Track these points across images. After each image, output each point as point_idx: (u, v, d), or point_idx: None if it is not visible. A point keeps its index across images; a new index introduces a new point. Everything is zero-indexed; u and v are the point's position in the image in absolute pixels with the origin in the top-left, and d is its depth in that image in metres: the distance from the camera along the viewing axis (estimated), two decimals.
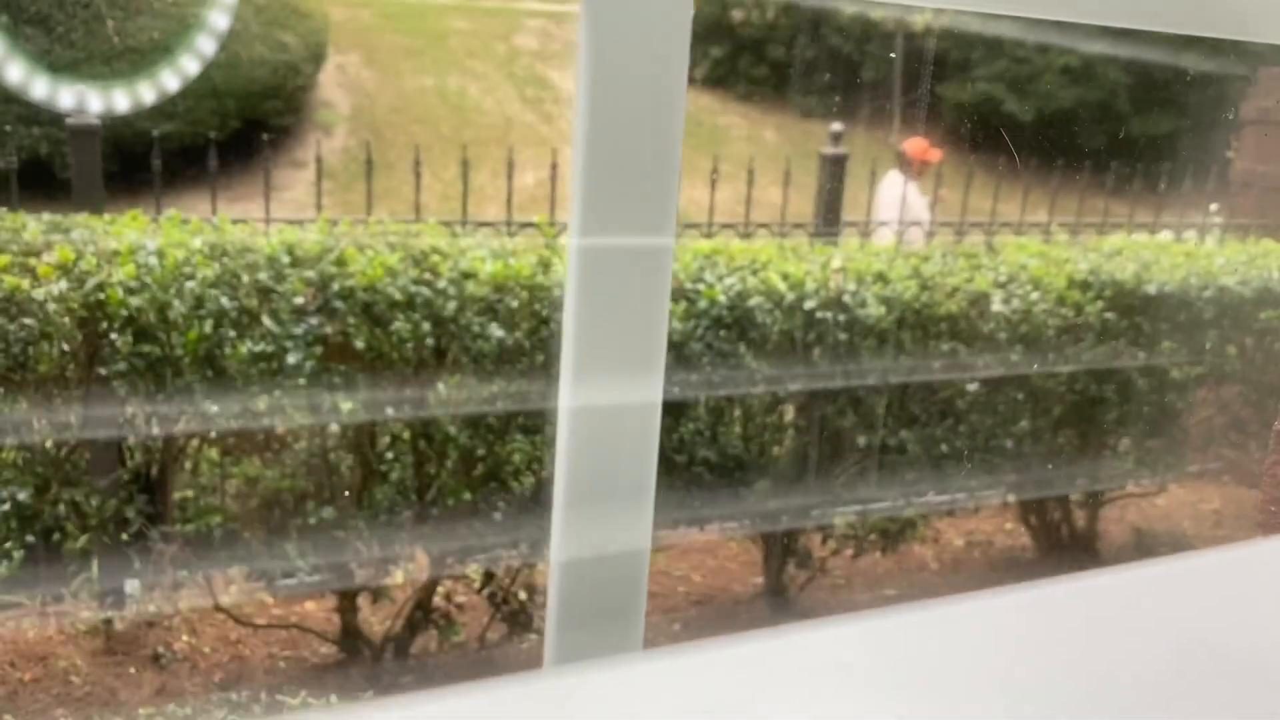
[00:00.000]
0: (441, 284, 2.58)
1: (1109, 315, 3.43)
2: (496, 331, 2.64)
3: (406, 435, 2.77)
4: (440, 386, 2.82)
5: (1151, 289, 3.49)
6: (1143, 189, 5.70)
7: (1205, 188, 5.18)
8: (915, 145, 5.94)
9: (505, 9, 13.53)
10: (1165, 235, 4.60)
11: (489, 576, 3.05)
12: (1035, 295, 3.33)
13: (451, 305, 2.59)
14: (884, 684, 0.31)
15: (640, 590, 0.25)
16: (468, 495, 2.77)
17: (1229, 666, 0.33)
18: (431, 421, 2.74)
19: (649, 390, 0.22)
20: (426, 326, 2.59)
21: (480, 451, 2.79)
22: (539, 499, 2.98)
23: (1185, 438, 4.14)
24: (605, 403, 0.21)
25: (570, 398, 0.21)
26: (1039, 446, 3.60)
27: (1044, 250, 3.75)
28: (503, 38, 12.97)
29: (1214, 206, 5.19)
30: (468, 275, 2.62)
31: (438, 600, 3.07)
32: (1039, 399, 3.47)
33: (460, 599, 3.22)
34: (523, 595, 3.10)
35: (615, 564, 0.25)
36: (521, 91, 11.81)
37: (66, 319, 2.50)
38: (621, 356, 0.21)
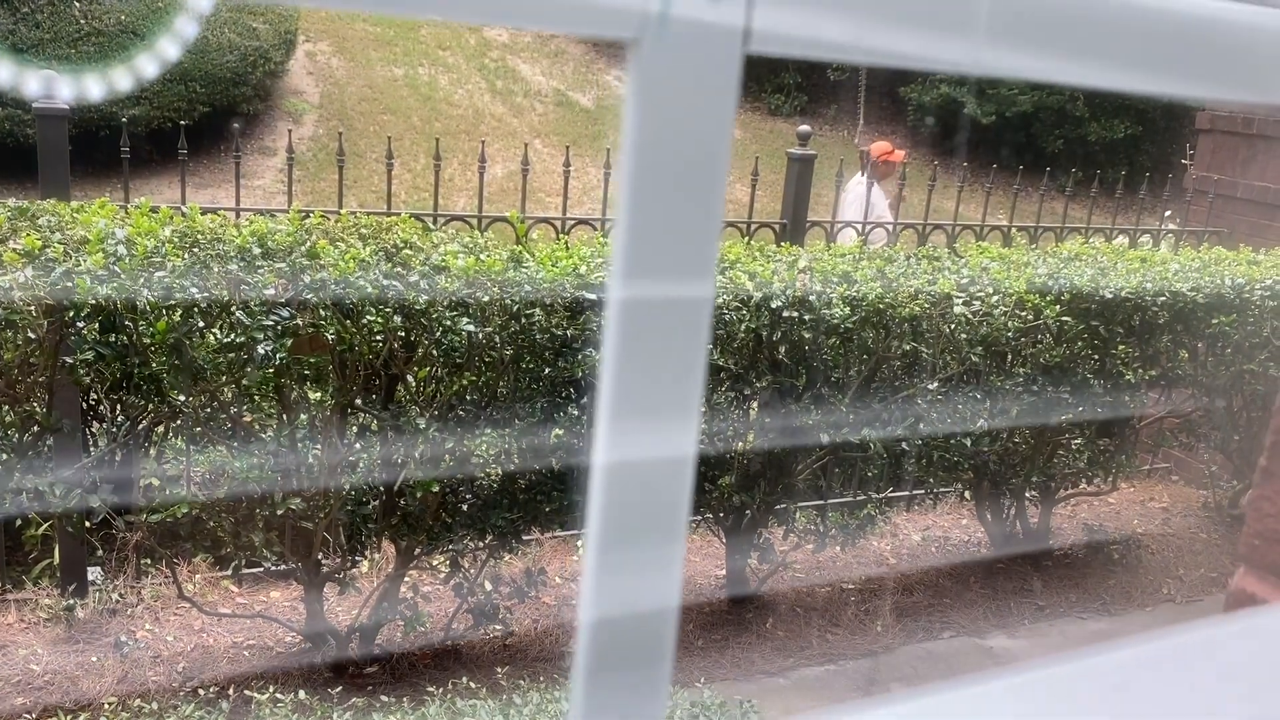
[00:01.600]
0: (413, 278, 2.60)
1: (1066, 319, 3.52)
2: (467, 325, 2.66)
3: (375, 426, 2.78)
4: (410, 379, 2.84)
5: (1107, 294, 3.58)
6: (1100, 194, 5.82)
7: (1161, 194, 5.30)
8: (879, 147, 6.02)
9: None
10: (1121, 241, 4.70)
11: (455, 567, 3.07)
12: (995, 298, 3.40)
13: (423, 299, 2.61)
14: None
15: (668, 646, 0.27)
16: (435, 488, 2.79)
17: None
18: (401, 413, 2.76)
19: (684, 444, 0.23)
20: (398, 320, 2.60)
21: (449, 444, 2.81)
22: (506, 491, 3.01)
23: (1137, 438, 4.25)
24: (640, 457, 0.22)
25: (606, 453, 0.23)
26: (995, 445, 3.68)
27: (1004, 254, 3.83)
28: (473, 29, 12.91)
29: (1169, 213, 5.31)
30: (439, 269, 2.64)
31: (404, 590, 3.09)
32: (996, 398, 3.55)
33: (426, 589, 3.24)
34: (488, 586, 3.13)
35: (644, 622, 0.26)
36: (492, 84, 11.77)
37: (33, 307, 2.49)
38: (658, 410, 0.23)
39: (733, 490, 3.30)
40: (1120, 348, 3.78)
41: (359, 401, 2.77)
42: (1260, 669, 0.35)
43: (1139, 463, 4.73)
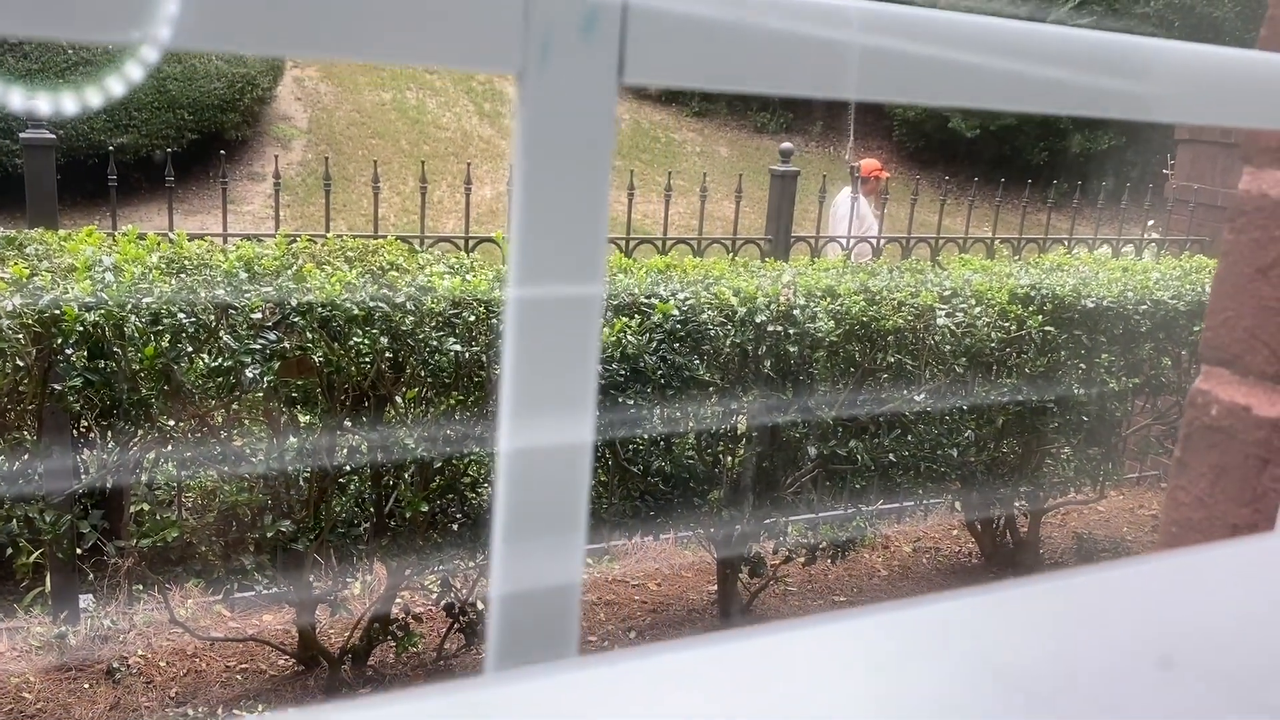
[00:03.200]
0: (400, 299, 2.62)
1: (1049, 328, 3.55)
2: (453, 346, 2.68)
3: (364, 447, 2.80)
4: (398, 399, 2.86)
5: (1090, 303, 3.62)
6: (1083, 205, 5.88)
7: (1142, 204, 5.35)
8: (870, 164, 6.08)
9: None
10: (1104, 251, 4.75)
11: (446, 587, 3.08)
12: (978, 309, 3.44)
13: (410, 320, 2.63)
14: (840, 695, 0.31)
15: (573, 619, 0.29)
16: (424, 508, 2.80)
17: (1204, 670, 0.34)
18: (389, 433, 2.77)
19: (581, 431, 0.26)
20: (385, 341, 2.62)
21: (437, 464, 2.83)
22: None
23: (1124, 446, 4.28)
24: (540, 444, 0.25)
25: (508, 440, 0.25)
26: (983, 455, 3.71)
27: (987, 265, 3.87)
28: None
29: (1151, 223, 5.37)
30: (426, 290, 2.67)
31: (395, 611, 3.09)
32: (982, 409, 3.58)
33: (418, 610, 3.25)
34: (480, 605, 3.14)
35: (549, 596, 0.29)
36: (479, 106, 11.84)
37: (20, 335, 2.51)
38: (555, 400, 0.25)
39: (722, 505, 3.32)
40: (1104, 356, 3.82)
41: (348, 423, 2.79)
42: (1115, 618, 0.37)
43: (1127, 470, 4.76)
